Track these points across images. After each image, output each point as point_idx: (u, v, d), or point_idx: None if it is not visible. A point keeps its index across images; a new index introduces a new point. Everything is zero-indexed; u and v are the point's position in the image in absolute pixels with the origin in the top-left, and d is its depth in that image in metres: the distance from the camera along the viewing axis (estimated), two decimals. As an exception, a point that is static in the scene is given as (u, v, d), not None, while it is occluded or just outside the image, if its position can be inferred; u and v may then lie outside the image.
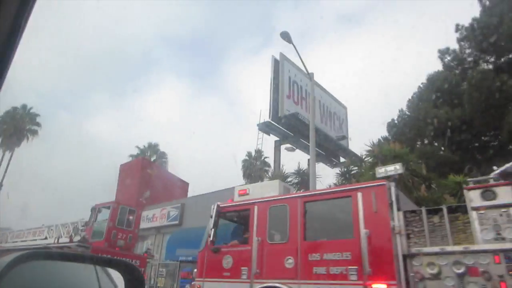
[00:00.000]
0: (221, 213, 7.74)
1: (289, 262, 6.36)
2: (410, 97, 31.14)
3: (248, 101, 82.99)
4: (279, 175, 23.35)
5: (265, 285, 6.45)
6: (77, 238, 13.27)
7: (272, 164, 49.41)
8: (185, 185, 32.07)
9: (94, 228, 13.02)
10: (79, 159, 62.65)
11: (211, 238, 7.33)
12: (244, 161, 48.91)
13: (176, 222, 23.95)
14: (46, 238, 15.09)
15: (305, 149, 26.02)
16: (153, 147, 42.41)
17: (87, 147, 61.99)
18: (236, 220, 8.71)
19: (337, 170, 24.05)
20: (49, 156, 58.34)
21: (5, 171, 38.78)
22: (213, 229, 7.43)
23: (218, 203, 7.86)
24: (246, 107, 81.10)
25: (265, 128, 23.50)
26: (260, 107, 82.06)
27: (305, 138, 25.14)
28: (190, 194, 29.43)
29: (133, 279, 1.27)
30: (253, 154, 49.83)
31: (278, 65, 24.34)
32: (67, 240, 13.58)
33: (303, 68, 13.91)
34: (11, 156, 40.29)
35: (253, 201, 7.43)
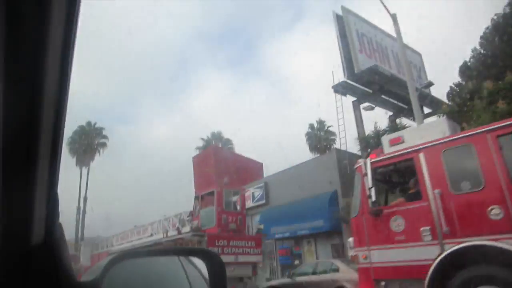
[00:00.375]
0: (373, 170, 6.31)
1: (495, 212, 4.84)
2: (482, 33, 27.28)
3: (295, 76, 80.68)
4: (363, 136, 21.42)
5: (466, 244, 4.97)
6: (186, 229, 12.63)
7: (337, 132, 47.45)
8: (259, 165, 31.30)
9: (201, 216, 12.26)
10: (149, 164, 64.91)
11: (372, 199, 5.93)
12: (308, 133, 47.37)
13: (263, 201, 23.19)
14: (151, 235, 14.76)
15: (385, 104, 23.75)
16: (217, 136, 42.27)
17: (152, 151, 63.90)
18: (390, 176, 7.30)
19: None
20: (121, 166, 60.99)
21: (86, 186, 40.67)
22: (372, 188, 6.01)
23: (369, 158, 6.44)
24: (293, 83, 78.87)
25: (341, 89, 21.55)
26: (307, 79, 79.55)
27: (386, 93, 22.90)
28: (265, 174, 28.67)
29: (214, 264, 1.33)
30: (315, 125, 48.27)
31: (341, 21, 22.17)
32: (175, 233, 13.02)
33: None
34: (88, 171, 42.12)
35: (416, 148, 5.93)
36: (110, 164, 57.11)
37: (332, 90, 21.55)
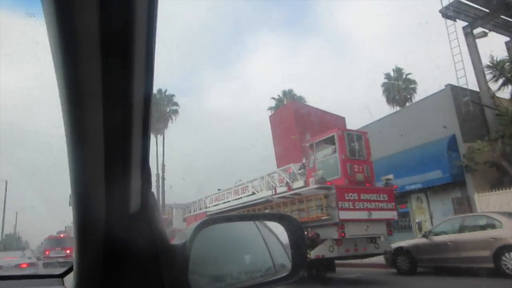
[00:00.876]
0: None
1: None
2: None
3: (354, 27, 73.72)
4: (480, 69, 17.58)
5: None
6: (298, 184, 10.81)
7: (417, 80, 42.36)
8: (341, 120, 28.57)
9: (318, 167, 10.29)
10: (216, 132, 65.11)
11: None
12: (384, 84, 43.19)
13: (359, 156, 20.75)
14: (253, 193, 13.27)
15: (505, 29, 19.32)
16: (288, 94, 39.92)
17: (218, 119, 63.54)
18: None
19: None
20: (191, 133, 61.74)
21: (163, 154, 41.28)
22: None
23: None
24: (354, 34, 72.16)
25: (451, 12, 17.61)
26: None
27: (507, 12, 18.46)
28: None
29: (293, 227, 1.36)
30: (392, 74, 43.67)
31: None
32: (285, 189, 11.29)
33: None
34: (163, 139, 42.67)
35: None
36: (184, 132, 57.77)
37: (439, 15, 17.71)
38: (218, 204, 15.57)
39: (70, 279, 1.27)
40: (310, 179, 10.13)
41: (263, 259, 1.61)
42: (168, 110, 44.41)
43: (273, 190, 11.60)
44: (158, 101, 44.22)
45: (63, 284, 1.63)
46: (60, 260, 26.11)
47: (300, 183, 10.76)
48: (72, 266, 1.05)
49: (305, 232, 9.53)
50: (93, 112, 0.74)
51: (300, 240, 1.34)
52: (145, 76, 0.75)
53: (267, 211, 11.12)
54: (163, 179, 41.45)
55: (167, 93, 44.99)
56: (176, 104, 45.14)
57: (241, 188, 14.13)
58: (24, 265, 13.32)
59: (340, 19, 72.49)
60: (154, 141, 43.08)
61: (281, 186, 11.60)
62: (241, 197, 13.90)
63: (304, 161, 11.23)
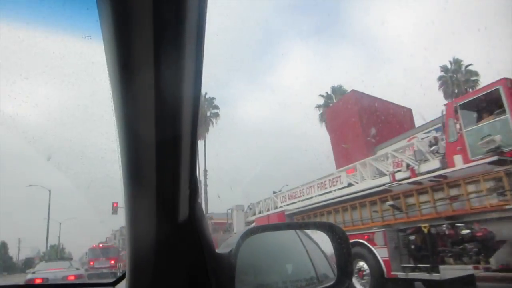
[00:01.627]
0: None
1: None
2: None
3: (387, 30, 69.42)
4: None
5: None
6: (431, 165, 7.93)
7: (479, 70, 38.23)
8: (408, 111, 25.28)
9: (468, 140, 7.28)
10: (257, 140, 62.81)
11: None
12: (441, 77, 39.50)
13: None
14: (350, 184, 10.47)
15: None
16: (337, 90, 36.97)
17: (257, 127, 61.16)
18: None
19: None
20: (233, 138, 59.86)
21: (205, 159, 39.41)
22: None
23: None
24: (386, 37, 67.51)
25: None
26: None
27: None
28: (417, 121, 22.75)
29: (337, 236, 1.33)
30: (450, 66, 39.88)
31: None
32: (408, 174, 8.43)
33: None
34: (204, 144, 40.92)
35: None
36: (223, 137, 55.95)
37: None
38: (295, 202, 12.88)
39: (122, 287, 1.36)
40: (456, 156, 7.22)
41: (305, 268, 1.60)
42: (208, 113, 42.68)
43: (391, 176, 8.72)
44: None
45: None
46: (105, 271, 24.42)
47: (434, 163, 7.87)
48: (124, 274, 1.17)
49: (469, 231, 6.62)
50: (145, 125, 0.78)
51: (346, 249, 1.30)
52: (194, 86, 0.77)
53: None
54: (206, 185, 39.44)
55: (207, 96, 43.32)
56: (216, 107, 43.51)
57: (329, 180, 11.37)
58: (72, 277, 11.17)
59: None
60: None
61: (399, 171, 8.74)
62: (331, 191, 11.11)
63: (435, 134, 8.33)
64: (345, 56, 68.95)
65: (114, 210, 24.10)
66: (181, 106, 0.77)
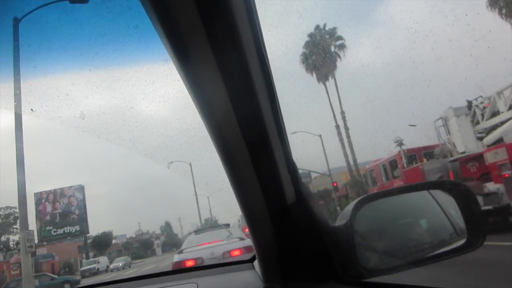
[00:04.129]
0: None
1: None
2: None
3: None
4: None
5: None
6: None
7: None
8: None
9: None
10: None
11: None
12: None
13: None
14: None
15: None
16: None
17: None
18: None
19: None
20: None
21: (339, 99, 33.40)
22: None
23: None
24: None
25: None
26: None
27: None
28: None
29: (464, 195, 1.23)
30: None
31: None
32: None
33: None
34: (335, 82, 34.71)
35: None
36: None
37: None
38: None
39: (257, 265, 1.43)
40: None
41: (442, 223, 1.49)
42: (332, 48, 35.94)
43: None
44: (318, 41, 36.38)
45: (253, 268, 1.65)
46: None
47: None
48: None
49: None
50: (231, 130, 0.89)
51: (473, 206, 1.23)
52: (265, 84, 0.88)
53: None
54: (347, 128, 33.51)
55: (326, 28, 36.46)
56: (341, 38, 36.24)
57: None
58: (237, 252, 6.98)
59: None
60: (323, 90, 35.40)
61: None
62: None
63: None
64: None
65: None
66: (258, 105, 0.87)
